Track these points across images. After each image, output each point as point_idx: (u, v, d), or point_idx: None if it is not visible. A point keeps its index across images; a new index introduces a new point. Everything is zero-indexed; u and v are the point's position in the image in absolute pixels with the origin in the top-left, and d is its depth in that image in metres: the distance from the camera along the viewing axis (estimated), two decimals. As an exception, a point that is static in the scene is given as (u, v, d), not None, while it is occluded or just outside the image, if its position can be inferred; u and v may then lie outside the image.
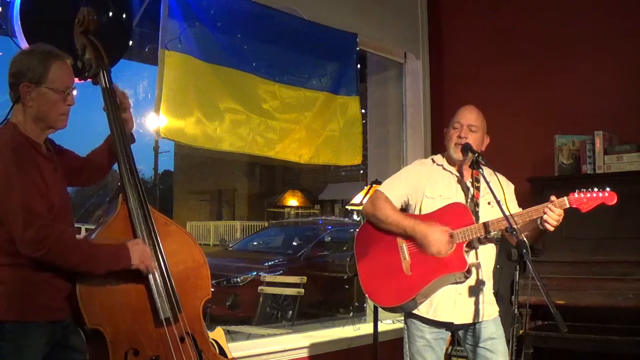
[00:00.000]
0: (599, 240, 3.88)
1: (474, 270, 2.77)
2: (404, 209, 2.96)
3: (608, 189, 2.69)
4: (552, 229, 2.65)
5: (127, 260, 2.29)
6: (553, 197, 2.66)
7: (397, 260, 2.81)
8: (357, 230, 3.01)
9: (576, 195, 2.67)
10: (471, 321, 2.81)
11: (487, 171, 2.82)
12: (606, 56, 4.41)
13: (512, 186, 2.96)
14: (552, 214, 2.62)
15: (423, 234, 2.74)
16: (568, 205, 2.67)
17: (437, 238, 2.72)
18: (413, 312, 2.83)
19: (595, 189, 2.68)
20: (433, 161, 2.99)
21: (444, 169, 2.94)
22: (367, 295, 2.96)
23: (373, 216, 2.90)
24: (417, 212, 2.90)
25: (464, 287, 2.79)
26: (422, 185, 2.90)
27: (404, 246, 2.82)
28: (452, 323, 2.82)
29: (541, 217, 2.65)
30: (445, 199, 2.84)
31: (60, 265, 2.17)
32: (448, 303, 2.79)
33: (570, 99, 4.53)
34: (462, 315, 2.80)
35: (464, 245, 2.74)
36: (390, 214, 2.84)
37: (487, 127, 2.96)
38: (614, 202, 2.69)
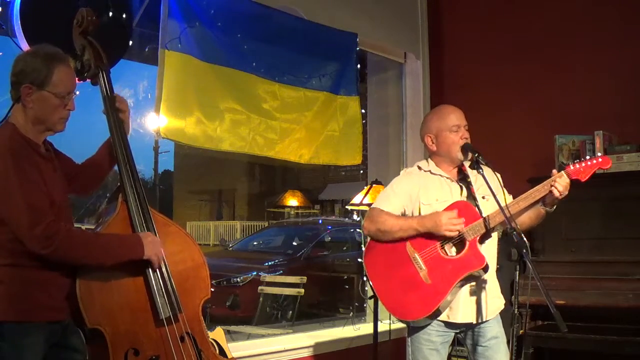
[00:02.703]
0: (598, 240, 3.89)
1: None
2: None
3: (600, 154, 2.73)
4: (560, 195, 2.66)
5: (139, 250, 2.29)
6: (554, 171, 2.70)
7: (414, 271, 2.77)
8: (364, 252, 2.96)
9: (572, 167, 2.70)
10: (485, 318, 2.79)
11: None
12: (606, 56, 4.41)
13: (499, 175, 2.93)
14: (560, 182, 2.65)
15: (433, 220, 2.71)
16: (568, 179, 2.69)
17: (448, 216, 2.69)
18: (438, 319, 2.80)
19: (588, 157, 2.73)
20: (419, 168, 2.96)
21: (432, 173, 2.92)
22: (393, 315, 2.90)
23: (377, 231, 2.84)
24: None
25: (476, 286, 2.78)
26: (415, 193, 2.88)
27: (417, 256, 2.77)
28: (471, 323, 2.80)
29: (548, 193, 2.67)
30: (442, 202, 2.82)
31: (69, 260, 2.17)
32: (466, 304, 2.78)
33: (570, 99, 4.53)
34: (477, 313, 2.79)
35: (477, 240, 2.72)
36: (395, 223, 2.81)
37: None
38: (609, 165, 2.72)
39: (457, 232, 2.70)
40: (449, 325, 2.81)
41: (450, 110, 2.92)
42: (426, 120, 3.00)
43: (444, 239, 2.76)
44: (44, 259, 2.12)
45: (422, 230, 2.75)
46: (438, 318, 2.79)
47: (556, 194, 2.66)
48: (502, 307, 2.89)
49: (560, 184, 2.65)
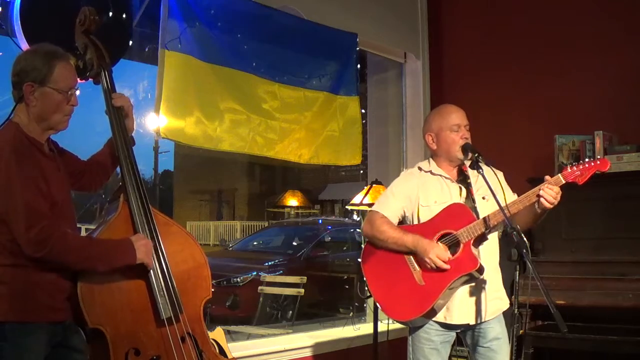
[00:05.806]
0: (598, 240, 3.88)
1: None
2: (402, 222, 2.94)
3: (599, 156, 2.69)
4: (550, 206, 2.63)
5: (131, 255, 2.29)
6: (547, 177, 2.66)
7: (408, 272, 2.78)
8: (361, 252, 2.99)
9: (569, 169, 2.67)
10: (484, 319, 2.79)
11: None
12: (606, 56, 4.41)
13: (501, 173, 2.92)
14: (549, 191, 2.61)
15: (424, 248, 2.73)
16: (564, 181, 2.65)
17: (437, 252, 2.70)
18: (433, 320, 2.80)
19: (587, 159, 2.68)
20: (420, 169, 2.97)
21: (432, 174, 2.92)
22: (387, 315, 2.92)
23: (373, 237, 2.88)
24: (415, 223, 2.89)
25: (475, 287, 2.78)
26: (415, 195, 2.88)
27: (412, 257, 2.79)
28: (468, 324, 2.80)
29: (538, 200, 2.63)
30: (440, 204, 2.82)
31: (63, 264, 2.17)
32: (463, 305, 2.78)
33: (570, 99, 4.53)
34: (475, 315, 2.79)
35: (471, 243, 2.72)
36: (390, 235, 2.82)
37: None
38: (608, 167, 2.66)
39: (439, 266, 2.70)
40: (446, 326, 2.82)
41: (451, 110, 2.92)
42: (428, 118, 3.00)
43: (438, 240, 2.76)
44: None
45: (413, 250, 2.77)
46: (435, 319, 2.79)
47: (545, 204, 2.62)
48: (504, 308, 2.88)
49: (548, 193, 2.60)
